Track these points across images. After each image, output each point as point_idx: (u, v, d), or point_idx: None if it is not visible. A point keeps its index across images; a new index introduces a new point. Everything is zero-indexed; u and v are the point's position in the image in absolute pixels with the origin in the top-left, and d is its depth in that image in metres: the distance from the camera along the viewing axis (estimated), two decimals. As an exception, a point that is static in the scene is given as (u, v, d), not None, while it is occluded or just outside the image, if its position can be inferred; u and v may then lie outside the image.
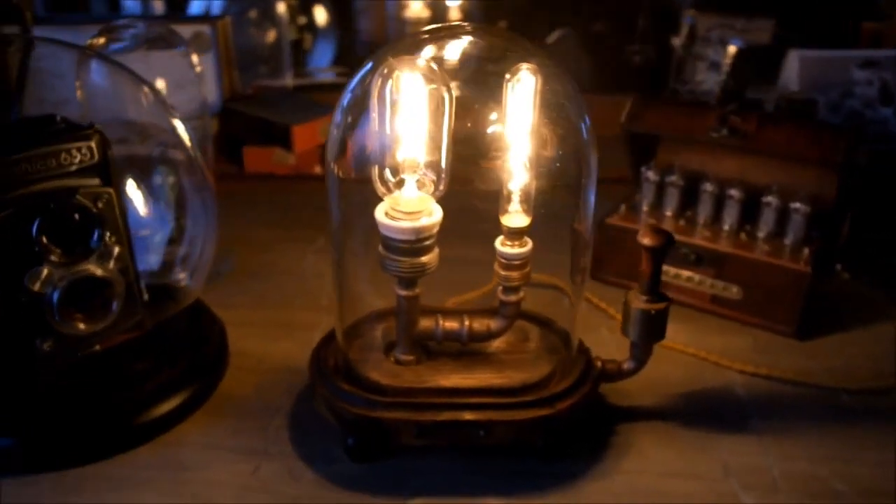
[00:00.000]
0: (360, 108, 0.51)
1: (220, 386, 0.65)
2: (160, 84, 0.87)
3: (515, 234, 0.54)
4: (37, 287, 0.54)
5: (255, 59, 1.35)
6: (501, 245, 0.54)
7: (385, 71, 0.48)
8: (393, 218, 0.52)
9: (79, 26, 1.14)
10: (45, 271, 0.54)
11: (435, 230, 0.53)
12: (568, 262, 0.59)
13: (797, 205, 0.73)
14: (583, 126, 0.54)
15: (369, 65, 0.51)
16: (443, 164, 0.51)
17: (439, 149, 0.51)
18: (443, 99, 0.49)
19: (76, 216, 0.55)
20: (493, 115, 0.52)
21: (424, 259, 0.53)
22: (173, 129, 0.69)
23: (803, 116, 0.83)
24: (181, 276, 0.71)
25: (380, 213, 0.52)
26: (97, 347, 0.60)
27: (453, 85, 0.50)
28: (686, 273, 0.76)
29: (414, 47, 0.51)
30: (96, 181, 0.57)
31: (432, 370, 0.57)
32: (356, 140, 0.52)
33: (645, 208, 0.81)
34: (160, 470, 0.56)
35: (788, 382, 0.66)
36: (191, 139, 0.70)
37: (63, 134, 0.56)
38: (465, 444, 0.54)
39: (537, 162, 0.52)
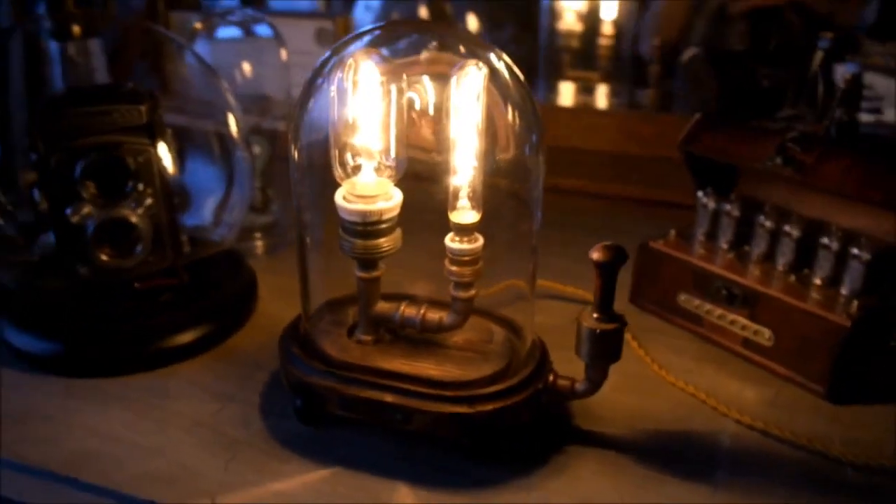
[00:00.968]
0: (319, 96, 0.55)
1: (232, 338, 0.72)
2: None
3: (464, 231, 0.54)
4: (75, 219, 0.64)
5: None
6: (451, 241, 0.55)
7: (343, 61, 0.52)
8: (348, 201, 0.55)
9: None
10: (84, 208, 0.64)
11: (390, 214, 0.55)
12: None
13: (856, 250, 0.64)
14: (532, 127, 0.53)
15: (328, 53, 0.55)
16: (392, 154, 0.53)
17: (393, 137, 0.53)
18: (396, 90, 0.52)
19: (115, 166, 0.65)
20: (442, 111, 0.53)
21: (379, 241, 0.56)
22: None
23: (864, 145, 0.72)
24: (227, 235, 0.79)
25: (338, 195, 0.56)
26: (136, 285, 0.70)
27: (407, 78, 0.52)
28: (718, 310, 0.70)
29: (371, 41, 0.53)
30: (143, 139, 0.66)
31: (382, 352, 0.59)
32: (315, 126, 0.56)
33: (700, 238, 0.76)
34: (145, 393, 0.63)
35: (787, 443, 0.59)
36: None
37: (119, 97, 0.66)
38: (387, 426, 0.56)
39: (484, 159, 0.52)
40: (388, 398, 0.55)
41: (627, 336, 0.72)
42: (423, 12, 1.46)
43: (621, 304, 0.77)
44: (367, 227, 0.55)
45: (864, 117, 0.89)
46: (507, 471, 0.56)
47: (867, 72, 0.95)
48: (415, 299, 0.60)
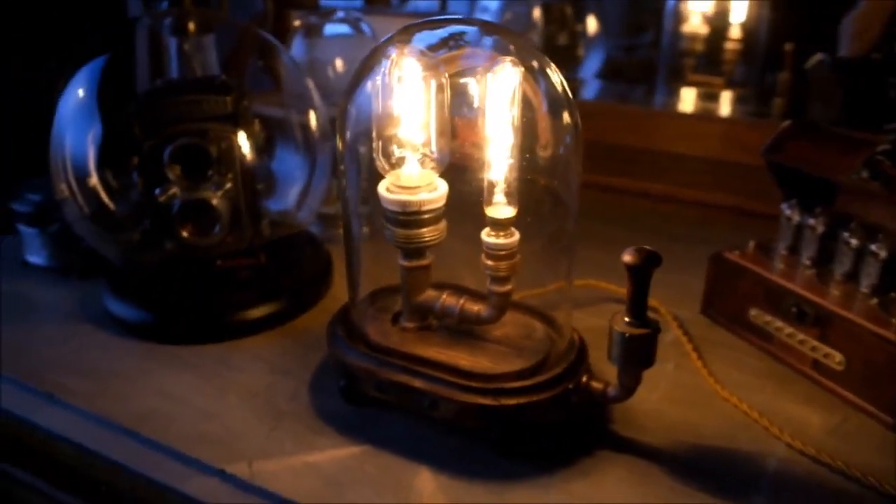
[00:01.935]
0: (364, 90, 0.57)
1: (301, 318, 0.76)
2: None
3: (500, 225, 0.55)
4: (162, 199, 0.70)
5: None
6: (486, 235, 0.56)
7: (387, 57, 0.54)
8: (390, 192, 0.57)
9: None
10: (171, 189, 0.70)
11: (433, 205, 0.57)
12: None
13: (946, 276, 0.59)
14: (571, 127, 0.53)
15: (376, 46, 0.57)
16: (433, 147, 0.55)
17: (433, 131, 0.54)
18: (438, 85, 0.53)
19: (199, 151, 0.71)
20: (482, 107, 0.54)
21: (421, 231, 0.57)
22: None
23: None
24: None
25: (381, 186, 0.58)
26: (218, 263, 0.76)
27: (449, 73, 0.53)
28: (788, 328, 0.66)
29: (413, 36, 0.55)
30: (227, 128, 0.72)
31: (421, 339, 0.60)
32: (362, 119, 0.58)
33: (782, 252, 0.71)
34: (213, 362, 0.69)
35: (838, 473, 0.55)
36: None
37: (210, 89, 0.72)
38: (416, 411, 0.57)
39: (521, 155, 0.52)
40: (417, 384, 0.56)
41: (687, 347, 0.69)
42: (537, 13, 1.46)
43: (692, 314, 0.75)
44: (408, 216, 0.57)
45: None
46: (532, 468, 0.55)
47: None
48: (461, 290, 0.61)
